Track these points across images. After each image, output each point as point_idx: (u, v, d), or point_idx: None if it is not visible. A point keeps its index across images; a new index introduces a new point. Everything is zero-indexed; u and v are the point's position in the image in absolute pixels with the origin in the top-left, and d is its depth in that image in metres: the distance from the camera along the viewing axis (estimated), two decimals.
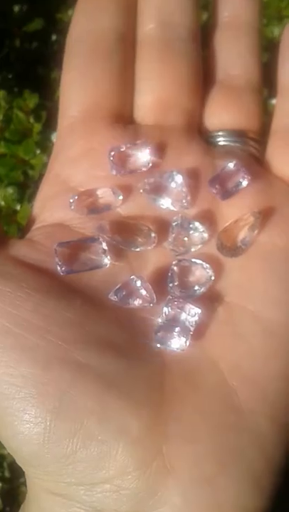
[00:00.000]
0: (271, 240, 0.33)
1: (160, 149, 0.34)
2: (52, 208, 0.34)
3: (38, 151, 0.75)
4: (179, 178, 0.33)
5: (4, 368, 0.28)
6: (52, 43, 0.82)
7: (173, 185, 0.33)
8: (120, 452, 0.27)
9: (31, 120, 0.75)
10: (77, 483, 0.28)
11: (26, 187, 0.73)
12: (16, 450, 0.29)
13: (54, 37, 0.82)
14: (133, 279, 0.30)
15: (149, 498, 0.27)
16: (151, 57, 0.36)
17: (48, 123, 0.75)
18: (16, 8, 0.80)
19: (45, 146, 0.75)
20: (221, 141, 0.37)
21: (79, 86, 0.35)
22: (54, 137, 0.78)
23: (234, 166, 0.33)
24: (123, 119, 0.36)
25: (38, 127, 0.75)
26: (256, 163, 0.36)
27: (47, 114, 0.75)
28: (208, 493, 0.27)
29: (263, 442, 0.29)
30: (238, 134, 0.37)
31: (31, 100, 0.74)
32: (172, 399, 0.29)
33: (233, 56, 0.38)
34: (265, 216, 0.33)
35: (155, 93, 0.36)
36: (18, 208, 0.70)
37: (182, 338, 0.30)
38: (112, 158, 0.33)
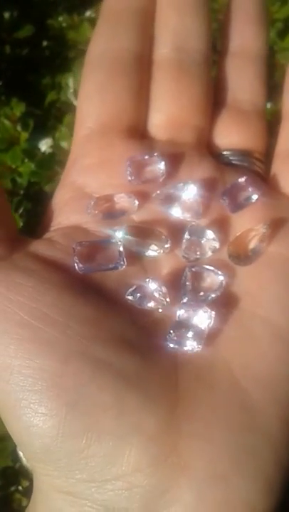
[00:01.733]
0: (280, 251, 0.36)
1: (174, 162, 0.37)
2: (68, 212, 0.36)
3: (26, 159, 0.76)
4: (192, 189, 0.36)
5: (21, 359, 0.30)
6: (43, 50, 0.84)
7: (186, 195, 0.36)
8: (135, 448, 0.28)
9: (18, 128, 0.76)
10: (88, 480, 0.29)
11: (15, 195, 0.74)
12: (27, 444, 0.30)
13: (45, 43, 0.84)
14: (148, 281, 0.33)
15: (162, 495, 0.28)
16: (166, 79, 0.40)
17: (36, 131, 0.77)
18: (7, 15, 0.82)
19: (33, 153, 0.76)
20: (229, 159, 0.40)
21: (97, 99, 0.39)
22: (42, 145, 0.80)
23: (245, 181, 0.37)
24: (138, 133, 0.39)
25: (25, 135, 0.76)
26: (262, 181, 0.40)
27: (35, 121, 0.76)
28: (221, 491, 0.29)
29: (274, 443, 0.30)
30: (245, 154, 0.41)
31: (18, 108, 0.75)
32: (186, 398, 0.31)
33: (242, 82, 0.42)
34: (273, 229, 0.36)
35: (169, 112, 0.39)
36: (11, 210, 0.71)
37: (196, 340, 0.32)
38: (128, 168, 0.36)
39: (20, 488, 0.64)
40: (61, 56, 0.83)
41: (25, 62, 0.83)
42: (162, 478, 0.28)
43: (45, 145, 0.80)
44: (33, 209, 0.75)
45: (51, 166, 0.74)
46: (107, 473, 0.29)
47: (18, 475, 0.63)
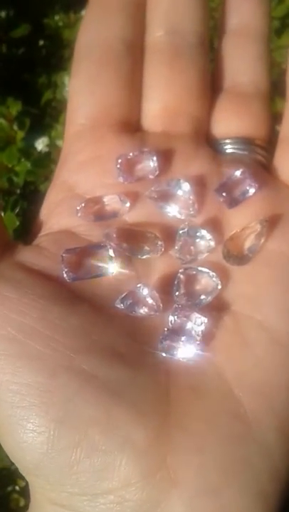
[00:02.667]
0: (278, 247, 0.33)
1: (167, 157, 0.35)
2: (58, 215, 0.34)
3: (22, 158, 0.75)
4: (186, 186, 0.33)
5: (9, 375, 0.28)
6: (39, 49, 0.82)
7: (180, 192, 0.33)
8: (124, 463, 0.27)
9: (14, 127, 0.74)
10: (80, 494, 0.28)
11: (11, 194, 0.73)
12: (19, 459, 0.29)
13: (41, 42, 0.82)
14: (140, 287, 0.31)
15: (153, 509, 0.27)
16: (159, 65, 0.37)
17: (32, 129, 0.75)
18: (3, 14, 0.80)
19: (29, 153, 0.75)
20: (229, 148, 0.37)
21: (87, 93, 0.36)
22: (38, 144, 0.79)
23: (241, 173, 0.34)
24: (131, 126, 0.36)
25: (21, 134, 0.75)
26: (263, 170, 0.37)
27: (31, 120, 0.75)
28: (214, 504, 0.27)
29: (269, 453, 0.29)
30: (246, 142, 0.37)
31: (14, 107, 0.74)
32: (178, 409, 0.29)
33: (242, 63, 0.38)
34: (272, 224, 0.33)
35: (163, 100, 0.36)
36: (2, 214, 0.70)
37: (188, 347, 0.30)
38: (119, 166, 0.33)
39: (17, 488, 0.64)
40: (57, 55, 0.82)
41: (21, 61, 0.81)
42: (153, 492, 0.27)
43: (41, 144, 0.79)
44: (29, 208, 0.73)
45: (47, 164, 0.73)
46: (98, 487, 0.27)
47: (15, 475, 0.63)
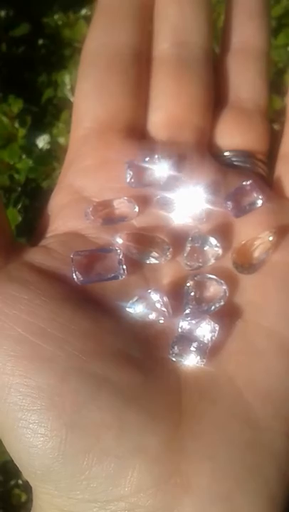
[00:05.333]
0: (284, 259, 0.33)
1: (177, 164, 0.34)
2: (65, 217, 0.33)
3: (23, 156, 0.74)
4: (194, 193, 0.32)
5: (19, 377, 0.27)
6: (39, 48, 0.82)
7: (188, 199, 0.32)
8: (137, 469, 0.26)
9: (16, 125, 0.74)
10: (90, 500, 0.27)
11: (12, 191, 0.72)
12: (26, 464, 0.28)
13: (41, 41, 0.82)
14: (150, 292, 0.30)
15: None
16: (165, 76, 0.36)
17: (33, 127, 0.75)
18: (2, 13, 0.79)
19: (30, 150, 0.75)
20: (231, 161, 0.37)
21: (95, 97, 0.35)
22: (39, 141, 0.78)
23: (249, 185, 0.33)
24: (137, 133, 0.36)
25: (22, 132, 0.74)
26: (265, 184, 0.36)
27: (32, 118, 0.74)
28: (225, 510, 0.27)
29: (278, 459, 0.28)
30: (247, 155, 0.37)
31: (16, 105, 0.74)
32: (189, 414, 0.28)
33: (244, 80, 0.38)
34: (278, 236, 0.33)
35: (168, 110, 0.36)
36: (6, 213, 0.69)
37: (199, 353, 0.29)
38: (128, 171, 0.33)
39: (20, 482, 0.63)
40: (57, 54, 0.81)
41: (21, 60, 0.80)
42: (165, 498, 0.26)
43: (42, 141, 0.78)
44: (31, 205, 0.73)
45: (49, 162, 0.73)
46: (110, 494, 0.26)
47: (18, 470, 0.62)
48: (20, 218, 0.69)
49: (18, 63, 0.79)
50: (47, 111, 0.79)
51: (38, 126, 0.78)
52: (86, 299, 0.30)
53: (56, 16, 0.82)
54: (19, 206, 0.72)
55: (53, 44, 0.81)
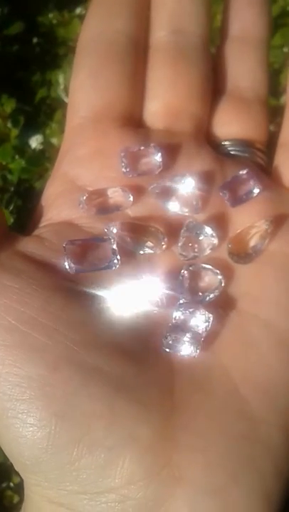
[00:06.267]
0: (281, 248, 0.32)
1: (171, 153, 0.34)
2: (59, 206, 0.33)
3: (16, 156, 0.74)
4: (190, 182, 0.32)
5: (9, 367, 0.27)
6: (33, 46, 0.81)
7: (184, 189, 0.32)
8: (128, 460, 0.26)
9: (8, 125, 0.74)
10: (80, 492, 0.26)
11: (5, 191, 0.72)
12: (16, 454, 0.27)
13: (35, 40, 0.81)
14: (144, 282, 0.30)
15: (156, 508, 0.26)
16: (162, 64, 0.36)
17: (26, 127, 0.75)
18: None
19: (23, 150, 0.74)
20: (229, 150, 0.37)
21: (90, 86, 0.35)
22: (32, 142, 0.78)
23: (246, 174, 0.33)
24: (133, 122, 0.35)
25: (15, 132, 0.74)
26: (264, 173, 0.36)
27: (26, 118, 0.74)
28: (218, 504, 0.26)
29: (273, 452, 0.28)
30: (246, 144, 0.37)
31: (8, 105, 0.74)
32: (183, 406, 0.28)
33: (243, 69, 0.38)
34: (275, 225, 0.32)
35: (165, 99, 0.36)
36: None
37: (193, 344, 0.29)
38: (123, 159, 0.32)
39: (11, 484, 0.62)
40: (51, 53, 0.80)
41: (15, 59, 0.80)
42: (157, 490, 0.26)
43: (35, 142, 0.78)
44: (23, 205, 0.72)
45: (41, 162, 0.72)
46: (100, 485, 0.26)
47: (10, 471, 0.61)
48: (12, 219, 0.69)
49: (12, 62, 0.79)
50: (40, 111, 0.79)
51: (31, 127, 0.77)
52: (78, 289, 0.30)
53: (51, 15, 0.82)
54: (11, 207, 0.72)
55: (47, 43, 0.81)
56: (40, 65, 0.79)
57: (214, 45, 0.39)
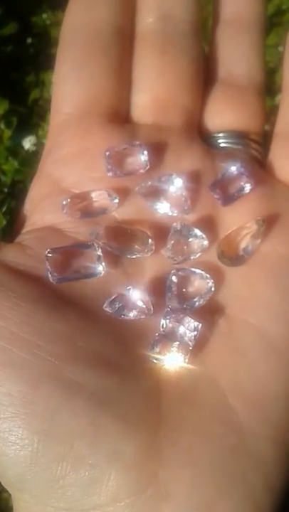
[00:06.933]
0: (274, 248, 0.30)
1: (159, 151, 0.31)
2: (43, 210, 0.31)
3: (9, 157, 0.73)
4: (178, 182, 0.30)
5: None
6: (27, 47, 0.80)
7: (172, 189, 0.30)
8: (113, 478, 0.25)
9: (1, 126, 0.73)
10: (66, 509, 0.25)
11: None
12: (1, 472, 0.26)
13: (29, 40, 0.80)
14: (129, 289, 0.28)
15: None
16: (150, 53, 0.33)
17: (19, 128, 0.73)
18: None
19: (16, 151, 0.73)
20: (222, 142, 0.34)
21: (74, 80, 0.32)
22: (25, 143, 0.76)
23: (237, 170, 0.31)
24: (120, 117, 0.33)
25: (8, 133, 0.73)
26: (258, 166, 0.34)
27: (19, 119, 0.73)
28: None
29: (264, 466, 0.26)
30: (240, 136, 0.34)
31: (1, 106, 0.72)
32: (169, 419, 0.26)
33: (236, 54, 0.35)
34: (268, 223, 0.30)
35: (154, 91, 0.33)
36: None
37: (180, 353, 0.27)
38: (107, 159, 0.30)
39: None
40: (45, 53, 0.79)
41: (8, 59, 0.78)
42: (143, 508, 0.25)
43: (28, 143, 0.77)
44: (17, 207, 0.71)
45: (35, 163, 0.71)
46: (85, 502, 0.25)
47: None
48: (5, 221, 0.68)
49: (5, 63, 0.78)
50: (33, 112, 0.77)
51: (24, 128, 0.76)
52: (62, 300, 0.28)
53: (44, 15, 0.80)
54: (4, 208, 0.70)
55: (41, 43, 0.79)
56: (33, 65, 0.78)
57: (206, 34, 0.37)
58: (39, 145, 0.75)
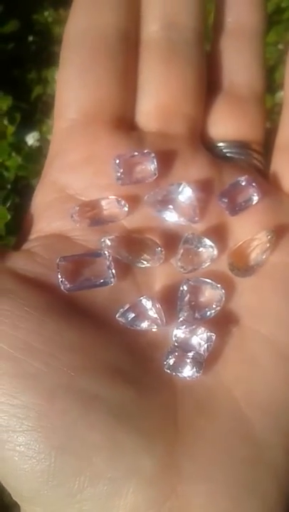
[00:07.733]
0: (282, 259, 0.29)
1: (166, 159, 0.30)
2: (49, 217, 0.30)
3: (13, 153, 0.72)
4: (187, 191, 0.29)
5: (4, 396, 0.24)
6: (28, 44, 0.79)
7: (181, 198, 0.29)
8: (131, 492, 0.24)
9: (5, 122, 0.71)
10: None
11: (2, 189, 0.70)
12: (14, 487, 0.25)
13: (31, 38, 0.79)
14: (142, 299, 0.27)
15: None
16: (154, 61, 0.32)
17: (22, 124, 0.72)
18: None
19: (19, 147, 0.72)
20: (225, 152, 0.33)
21: (78, 85, 0.31)
22: (29, 139, 0.75)
23: (245, 180, 0.30)
24: (125, 123, 0.32)
25: (11, 129, 0.72)
26: (262, 177, 0.33)
27: (22, 115, 0.72)
28: None
29: (277, 474, 0.26)
30: (242, 146, 0.33)
31: (5, 102, 0.71)
32: (186, 432, 0.25)
33: (238, 64, 0.34)
34: (276, 235, 0.29)
35: (158, 98, 0.32)
36: None
37: (195, 365, 0.26)
38: (117, 167, 0.29)
39: None
40: (47, 51, 0.78)
41: (11, 57, 0.77)
42: None
43: (32, 139, 0.76)
44: (20, 202, 0.70)
45: (38, 159, 0.70)
46: None
47: None
48: (9, 216, 0.67)
49: (7, 60, 0.76)
50: (36, 108, 0.76)
51: (27, 124, 0.75)
52: (74, 309, 0.27)
53: (46, 13, 0.79)
54: (9, 204, 0.69)
55: (43, 41, 0.78)
56: (35, 62, 0.77)
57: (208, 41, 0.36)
58: (42, 141, 0.74)
